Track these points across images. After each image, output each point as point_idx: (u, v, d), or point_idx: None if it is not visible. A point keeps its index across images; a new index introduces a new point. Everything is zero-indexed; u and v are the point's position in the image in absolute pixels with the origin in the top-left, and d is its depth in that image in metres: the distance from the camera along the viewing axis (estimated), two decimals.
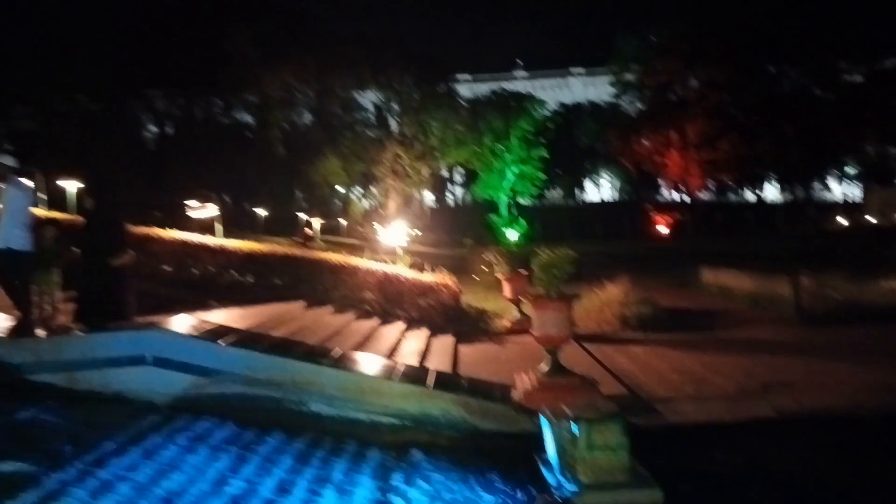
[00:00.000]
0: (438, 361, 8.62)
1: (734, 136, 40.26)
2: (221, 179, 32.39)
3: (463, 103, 41.13)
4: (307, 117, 42.84)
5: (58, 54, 29.42)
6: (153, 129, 39.68)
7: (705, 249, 24.65)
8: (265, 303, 9.85)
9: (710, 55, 39.65)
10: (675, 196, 48.58)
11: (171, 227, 11.86)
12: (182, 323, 6.52)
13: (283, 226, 31.39)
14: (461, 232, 36.09)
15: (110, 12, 31.00)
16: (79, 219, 7.07)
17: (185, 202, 21.51)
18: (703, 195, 49.12)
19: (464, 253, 26.51)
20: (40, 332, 6.13)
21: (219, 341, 6.02)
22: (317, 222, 31.99)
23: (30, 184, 6.81)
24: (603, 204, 56.19)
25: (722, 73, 39.92)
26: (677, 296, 15.05)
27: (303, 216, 32.72)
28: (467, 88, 48.43)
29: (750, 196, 55.39)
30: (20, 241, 6.22)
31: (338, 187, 43.11)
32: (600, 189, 58.64)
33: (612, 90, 50.56)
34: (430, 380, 6.47)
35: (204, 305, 8.87)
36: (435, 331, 10.86)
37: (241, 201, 35.80)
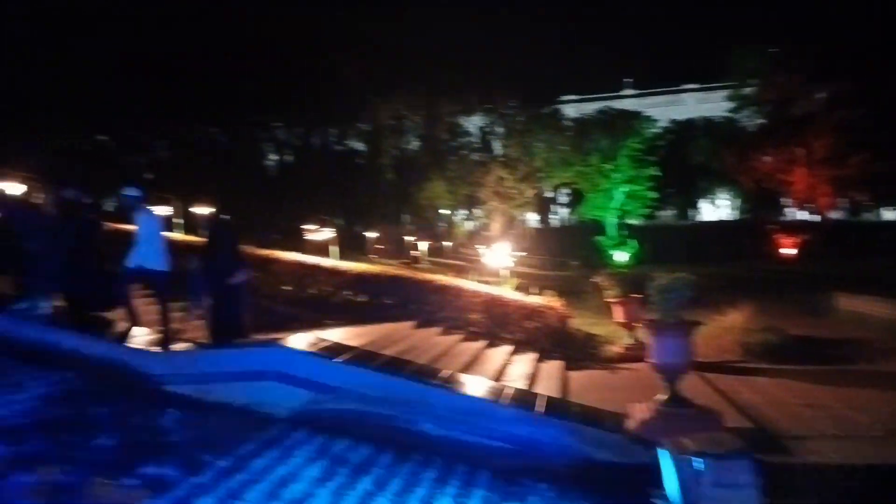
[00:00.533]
0: (547, 386, 8.44)
1: (865, 152, 36.84)
2: (335, 204, 33.99)
3: (569, 123, 40.67)
4: (415, 143, 44.14)
5: (193, 93, 32.41)
6: (274, 157, 42.41)
7: (837, 273, 22.59)
8: (376, 322, 10.13)
9: (835, 68, 36.69)
10: (801, 215, 45.06)
11: (290, 249, 12.56)
12: (301, 340, 6.84)
13: (392, 248, 32.35)
14: (566, 253, 35.43)
15: (239, 53, 33.73)
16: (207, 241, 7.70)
17: (303, 226, 22.74)
18: (834, 214, 45.19)
19: (570, 275, 26.00)
20: (176, 346, 6.68)
21: (334, 358, 6.25)
22: (423, 244, 32.68)
23: (159, 210, 7.59)
24: (719, 223, 53.13)
25: (847, 86, 36.80)
26: (806, 323, 13.85)
27: (410, 238, 33.56)
28: (574, 108, 47.88)
29: (888, 215, 50.32)
30: (153, 261, 6.92)
31: (443, 210, 43.88)
32: (716, 208, 55.63)
33: (727, 105, 47.91)
34: (540, 405, 6.34)
35: (320, 323, 9.27)
36: (543, 355, 10.66)
37: (353, 224, 37.31)
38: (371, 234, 34.42)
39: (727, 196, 53.72)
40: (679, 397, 6.45)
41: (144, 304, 7.57)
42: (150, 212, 7.37)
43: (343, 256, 18.63)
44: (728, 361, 10.66)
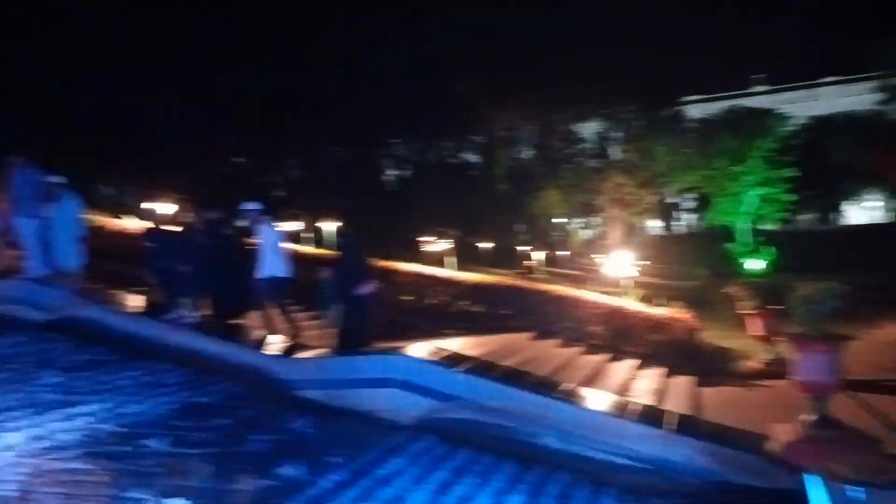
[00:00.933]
0: (677, 403, 8.00)
1: None
2: (451, 216, 34.59)
3: (692, 125, 38.63)
4: (528, 152, 43.97)
5: (321, 115, 34.59)
6: (393, 172, 43.97)
7: None
8: (493, 332, 10.13)
9: None
10: None
11: (409, 261, 12.91)
12: (422, 349, 6.97)
13: (506, 258, 32.32)
14: (693, 261, 33.54)
15: (360, 77, 35.61)
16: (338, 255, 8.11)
17: (420, 237, 23.34)
18: None
19: (697, 284, 24.58)
20: (307, 354, 7.05)
21: (454, 368, 6.30)
22: (539, 254, 32.35)
23: (282, 224, 8.22)
24: (867, 227, 47.92)
25: None
26: None
27: (524, 248, 33.35)
28: (698, 109, 45.36)
29: None
30: (280, 269, 7.64)
31: (558, 219, 43.22)
32: (863, 210, 50.29)
33: (871, 98, 43.23)
34: (671, 422, 6.01)
35: (438, 333, 9.42)
36: (671, 370, 10.14)
37: (467, 236, 37.73)
38: (485, 245, 34.61)
39: (876, 197, 48.42)
40: (829, 418, 5.85)
41: (276, 312, 8.11)
42: (270, 224, 8.02)
43: (459, 267, 18.86)
44: (886, 380, 9.55)
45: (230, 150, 36.73)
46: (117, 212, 16.06)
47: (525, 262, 30.20)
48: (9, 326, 7.45)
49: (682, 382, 9.43)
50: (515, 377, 6.60)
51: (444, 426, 5.84)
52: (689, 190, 42.79)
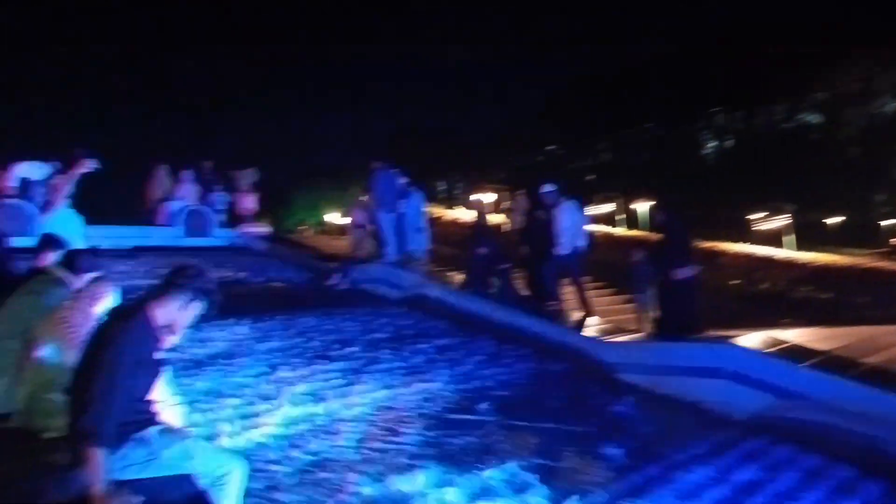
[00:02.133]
0: None
1: None
2: (785, 188, 30.32)
3: None
4: (891, 107, 35.87)
5: (627, 93, 33.75)
6: (712, 145, 40.46)
7: None
8: (846, 324, 8.59)
9: None
10: None
11: (734, 241, 11.73)
12: (756, 339, 6.28)
13: (862, 235, 27.01)
14: None
15: (673, 46, 33.61)
16: (655, 236, 7.81)
17: (748, 215, 21.00)
18: None
19: None
20: (626, 338, 6.95)
21: (797, 363, 5.53)
22: None
23: (580, 203, 8.37)
24: None
25: None
26: None
27: (890, 222, 27.35)
28: None
29: None
30: (580, 246, 8.00)
31: None
32: None
33: None
34: None
35: (774, 322, 8.38)
36: None
37: (808, 210, 32.64)
38: (833, 220, 29.45)
39: None
40: None
41: (574, 289, 8.28)
42: (568, 203, 8.15)
43: (799, 247, 16.41)
44: None
45: (543, 140, 38.33)
46: (450, 204, 18.10)
47: (892, 241, 24.79)
48: (371, 301, 9.04)
49: None
50: (883, 378, 5.47)
51: (783, 426, 5.16)
52: None
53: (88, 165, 5.12)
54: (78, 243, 5.11)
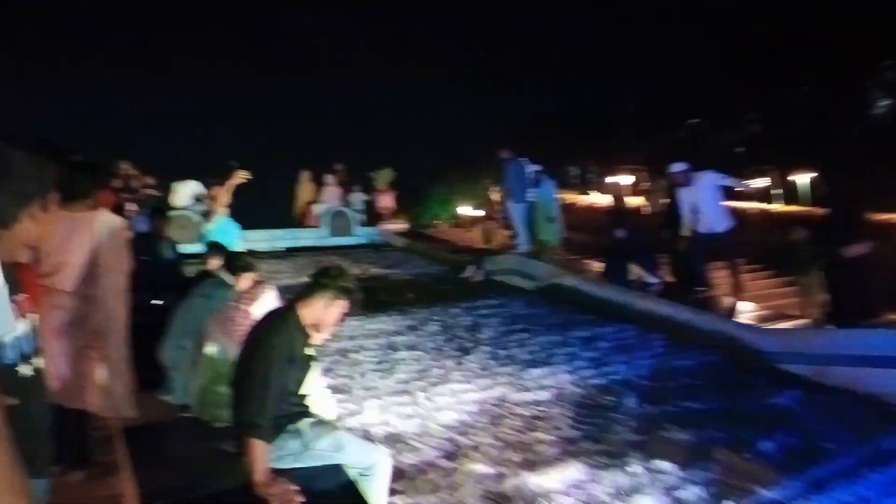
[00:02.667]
0: None
1: None
2: None
3: None
4: None
5: (782, 54, 30.63)
6: (883, 104, 35.70)
7: None
8: None
9: None
10: None
11: None
12: None
13: None
14: None
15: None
16: (819, 211, 7.03)
17: None
18: None
19: None
20: (787, 324, 6.34)
21: None
22: None
23: (718, 179, 7.52)
24: None
25: None
26: None
27: None
28: None
29: None
30: (720, 223, 7.30)
31: None
32: None
33: None
34: None
35: None
36: None
37: None
38: None
39: None
40: None
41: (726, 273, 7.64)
42: (703, 179, 7.50)
43: None
44: None
45: (682, 113, 35.89)
46: (584, 189, 17.61)
47: None
48: (505, 293, 9.04)
49: None
50: None
51: None
52: None
53: (242, 176, 5.60)
54: (237, 248, 5.61)
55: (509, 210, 10.71)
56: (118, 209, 7.79)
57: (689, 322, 6.79)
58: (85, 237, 3.16)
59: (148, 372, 4.04)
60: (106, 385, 3.32)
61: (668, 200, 8.80)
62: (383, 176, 15.92)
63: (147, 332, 4.28)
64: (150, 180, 14.10)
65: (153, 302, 5.87)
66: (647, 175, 11.57)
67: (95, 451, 3.11)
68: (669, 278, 8.23)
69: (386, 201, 15.84)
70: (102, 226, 3.34)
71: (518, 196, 10.26)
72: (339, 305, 2.92)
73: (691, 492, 3.55)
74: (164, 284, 6.01)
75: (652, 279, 7.91)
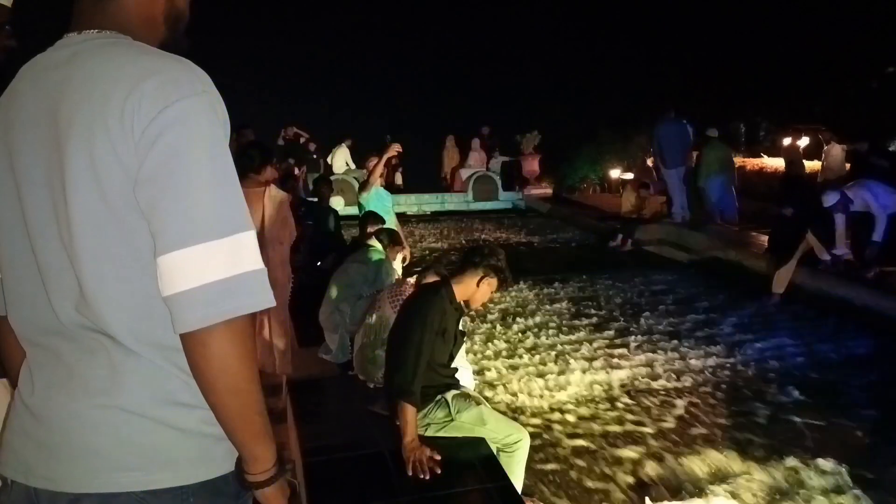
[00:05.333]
0: None
1: None
2: None
3: None
4: None
5: None
6: None
7: None
8: None
9: None
10: None
11: None
12: None
13: None
14: None
15: None
16: None
17: None
18: None
19: None
20: None
21: None
22: None
23: None
24: None
25: None
26: None
27: None
28: None
29: None
30: None
31: None
32: None
33: None
34: None
35: None
36: None
37: None
38: None
39: None
40: None
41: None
42: None
43: None
44: None
45: (877, 60, 30.63)
46: (753, 150, 16.18)
47: None
48: (657, 265, 8.61)
49: None
50: None
51: None
52: None
53: (394, 149, 5.83)
54: (390, 217, 5.89)
55: (666, 175, 10.05)
56: (288, 175, 8.50)
57: (871, 306, 6.03)
58: (257, 213, 3.51)
59: (312, 330, 4.44)
60: (269, 344, 3.72)
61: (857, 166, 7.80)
62: (530, 139, 15.72)
63: (313, 292, 4.69)
64: (313, 145, 15.18)
65: (318, 264, 6.40)
66: (829, 135, 10.22)
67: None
68: (848, 254, 7.33)
69: (532, 165, 15.67)
70: (271, 201, 3.68)
71: (675, 160, 9.60)
72: (490, 283, 2.99)
73: (858, 499, 3.23)
74: (327, 248, 6.51)
75: (826, 256, 7.09)
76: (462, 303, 3.02)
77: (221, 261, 0.91)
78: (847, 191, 6.50)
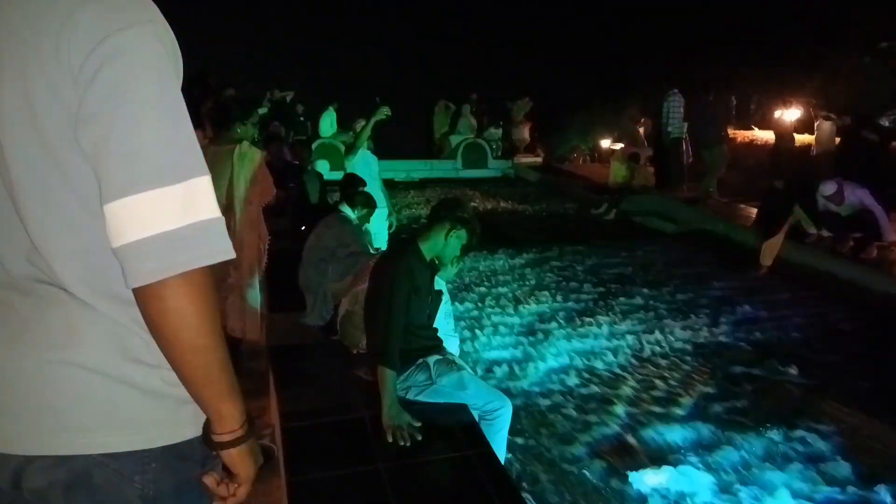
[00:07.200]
0: None
1: None
2: None
3: None
4: None
5: None
6: None
7: None
8: None
9: None
10: None
11: None
12: None
13: None
14: None
15: None
16: None
17: None
18: None
19: None
20: None
21: None
22: None
23: None
24: None
25: None
26: None
27: None
28: None
29: None
30: None
31: None
32: None
33: None
34: None
35: None
36: None
37: None
38: None
39: None
40: None
41: None
42: None
43: None
44: None
45: (871, 33, 30.38)
46: (743, 123, 16.09)
47: None
48: (642, 236, 8.58)
49: None
50: None
51: None
52: None
53: (384, 113, 5.68)
54: (375, 182, 5.77)
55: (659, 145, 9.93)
56: (274, 137, 8.30)
57: (857, 280, 6.06)
58: (225, 170, 3.39)
59: (296, 295, 4.35)
60: (238, 309, 3.64)
61: (847, 141, 7.75)
62: (521, 107, 15.51)
63: (295, 256, 4.59)
64: (301, 107, 14.85)
65: (303, 228, 6.28)
66: (821, 108, 10.13)
67: (242, 367, 3.43)
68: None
69: (522, 133, 15.50)
70: (240, 158, 3.56)
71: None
72: (458, 236, 2.90)
73: (837, 469, 3.26)
74: (310, 211, 6.39)
75: (813, 229, 7.09)
76: (433, 260, 2.95)
77: (174, 208, 0.83)
78: (845, 188, 6.44)
